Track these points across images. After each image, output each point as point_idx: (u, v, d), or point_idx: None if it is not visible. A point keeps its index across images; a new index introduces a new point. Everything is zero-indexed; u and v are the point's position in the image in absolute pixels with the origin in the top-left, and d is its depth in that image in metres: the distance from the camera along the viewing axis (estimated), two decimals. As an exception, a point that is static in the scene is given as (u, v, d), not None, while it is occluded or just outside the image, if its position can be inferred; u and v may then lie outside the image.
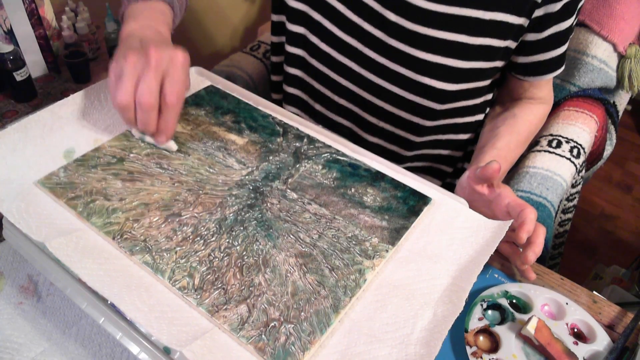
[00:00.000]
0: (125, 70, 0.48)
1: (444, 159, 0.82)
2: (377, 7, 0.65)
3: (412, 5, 0.63)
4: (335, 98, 0.76)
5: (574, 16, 0.66)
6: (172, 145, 0.54)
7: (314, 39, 0.72)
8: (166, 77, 0.49)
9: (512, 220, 0.52)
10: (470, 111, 0.75)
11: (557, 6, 0.63)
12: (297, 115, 0.83)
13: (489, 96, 0.76)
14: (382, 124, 0.76)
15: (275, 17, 0.78)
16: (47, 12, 0.97)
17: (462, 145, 0.81)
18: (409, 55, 0.66)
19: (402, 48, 0.66)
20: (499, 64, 0.69)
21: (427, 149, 0.80)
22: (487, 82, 0.71)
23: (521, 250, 0.54)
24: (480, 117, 0.77)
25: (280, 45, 0.80)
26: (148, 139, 0.54)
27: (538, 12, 0.64)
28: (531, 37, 0.67)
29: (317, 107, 0.80)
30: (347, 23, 0.68)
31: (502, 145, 0.68)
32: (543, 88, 0.74)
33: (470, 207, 0.54)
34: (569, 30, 0.67)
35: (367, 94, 0.73)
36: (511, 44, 0.66)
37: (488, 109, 0.79)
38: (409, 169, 0.82)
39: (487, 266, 0.55)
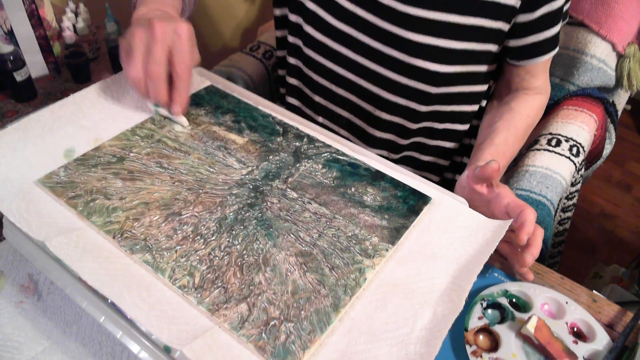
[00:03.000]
0: (133, 45, 0.52)
1: (440, 151, 0.82)
2: None
3: None
4: (333, 87, 0.77)
5: None
6: (184, 121, 0.57)
7: (308, 29, 0.73)
8: (173, 49, 0.53)
9: (512, 220, 0.52)
10: (464, 99, 0.75)
11: None
12: (298, 107, 0.83)
13: (485, 86, 0.76)
14: (378, 112, 0.76)
15: (277, 11, 0.79)
16: (48, 12, 0.97)
17: (458, 137, 0.81)
18: (402, 38, 0.66)
19: (394, 31, 0.67)
20: (492, 47, 0.69)
21: (423, 138, 0.80)
22: (481, 68, 0.71)
23: (519, 250, 0.54)
24: (475, 107, 0.77)
25: (283, 38, 0.81)
26: (162, 111, 0.57)
27: None
28: (523, 18, 0.67)
29: (316, 98, 0.81)
30: (340, 9, 0.69)
31: (500, 141, 0.68)
32: (539, 76, 0.74)
33: (470, 206, 0.54)
34: (560, 10, 0.67)
35: (363, 80, 0.73)
36: (504, 25, 0.67)
37: (485, 102, 0.79)
38: (405, 159, 0.82)
39: (487, 265, 0.55)
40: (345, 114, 0.80)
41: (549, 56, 0.72)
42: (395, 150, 0.81)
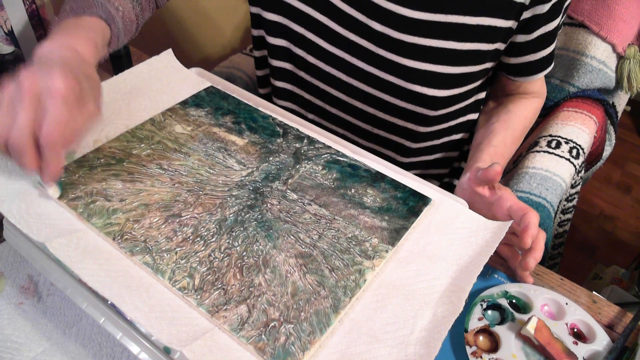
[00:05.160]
0: None
1: (440, 162, 0.82)
2: (362, 18, 0.64)
3: (397, 14, 0.62)
4: (327, 107, 0.76)
5: (561, 15, 0.66)
6: (53, 192, 0.47)
7: (299, 52, 0.71)
8: (44, 112, 0.42)
9: (512, 221, 0.52)
10: (463, 112, 0.75)
11: (545, 7, 0.62)
12: None
13: (482, 95, 0.76)
14: (376, 131, 0.75)
15: (255, 32, 0.76)
16: (48, 13, 0.98)
17: (457, 145, 0.81)
18: (398, 64, 0.65)
19: (390, 57, 0.65)
20: (488, 65, 0.68)
21: (424, 156, 0.79)
22: (478, 83, 0.71)
23: (520, 253, 0.53)
24: (474, 116, 0.77)
25: (264, 59, 0.79)
26: (37, 176, 0.46)
27: (526, 14, 0.63)
28: (520, 38, 0.66)
29: (310, 116, 0.80)
30: (332, 35, 0.67)
31: (498, 142, 0.67)
32: (535, 84, 0.74)
33: (470, 208, 0.54)
34: (557, 29, 0.67)
35: (358, 102, 0.72)
36: (500, 45, 0.66)
37: (482, 107, 0.79)
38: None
39: (487, 266, 0.55)
40: (341, 131, 0.79)
41: (544, 73, 0.72)
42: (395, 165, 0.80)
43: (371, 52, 0.66)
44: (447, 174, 0.85)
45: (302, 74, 0.74)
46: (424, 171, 0.83)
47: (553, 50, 0.70)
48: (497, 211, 0.55)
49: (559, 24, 0.67)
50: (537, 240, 0.51)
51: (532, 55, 0.68)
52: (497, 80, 0.76)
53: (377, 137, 0.76)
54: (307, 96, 0.77)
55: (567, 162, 0.84)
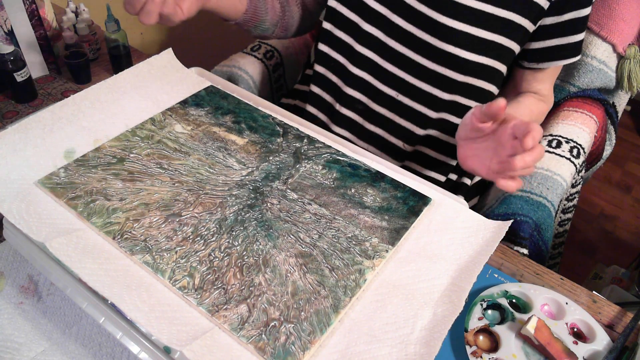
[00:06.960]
0: None
1: (451, 149, 0.82)
2: None
3: None
4: (355, 70, 0.77)
5: (591, 5, 0.69)
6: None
7: (336, 5, 0.74)
8: None
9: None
10: (482, 95, 0.75)
11: None
12: (318, 94, 0.82)
13: (497, 89, 0.77)
14: (400, 97, 0.77)
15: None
16: (48, 13, 0.98)
17: None
18: (435, 22, 0.68)
19: (429, 14, 0.68)
20: (516, 47, 0.71)
21: (439, 132, 0.80)
22: (501, 67, 0.73)
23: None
24: None
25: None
26: None
27: None
28: (550, 20, 0.69)
29: (334, 79, 0.80)
30: None
31: (521, 103, 0.71)
32: (546, 82, 0.76)
33: (470, 145, 0.53)
34: (586, 19, 0.70)
35: (388, 64, 0.74)
36: (530, 25, 0.69)
37: None
38: (417, 154, 0.82)
39: (487, 266, 0.55)
40: (363, 98, 0.79)
41: (570, 60, 0.73)
42: (410, 141, 0.80)
43: (411, 7, 0.69)
44: (453, 167, 0.85)
45: (339, 33, 0.76)
46: (434, 153, 0.82)
47: (581, 41, 0.72)
48: (501, 134, 0.53)
49: (588, 15, 0.69)
50: (534, 148, 0.49)
51: (559, 40, 0.71)
52: (511, 78, 0.79)
53: (400, 104, 0.77)
54: (335, 55, 0.78)
55: (568, 161, 0.84)
